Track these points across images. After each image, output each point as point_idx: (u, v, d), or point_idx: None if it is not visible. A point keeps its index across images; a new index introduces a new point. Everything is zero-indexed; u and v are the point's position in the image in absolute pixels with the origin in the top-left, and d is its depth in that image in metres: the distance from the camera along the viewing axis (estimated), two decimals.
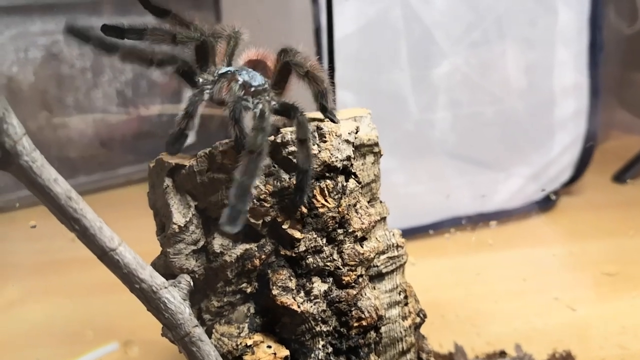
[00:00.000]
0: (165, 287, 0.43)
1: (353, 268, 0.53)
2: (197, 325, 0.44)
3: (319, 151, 0.51)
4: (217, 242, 0.50)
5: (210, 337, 0.48)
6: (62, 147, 1.37)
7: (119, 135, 1.47)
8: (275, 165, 0.50)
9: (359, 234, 0.53)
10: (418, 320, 0.61)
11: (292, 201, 0.49)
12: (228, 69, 0.53)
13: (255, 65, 0.56)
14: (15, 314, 0.92)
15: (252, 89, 0.52)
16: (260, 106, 0.49)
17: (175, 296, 0.43)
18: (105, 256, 0.40)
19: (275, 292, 0.50)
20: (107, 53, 0.48)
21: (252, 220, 0.50)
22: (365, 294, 0.54)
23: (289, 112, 0.50)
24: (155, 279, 0.42)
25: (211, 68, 0.53)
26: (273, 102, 0.53)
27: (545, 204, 1.30)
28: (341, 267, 0.52)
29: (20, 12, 1.31)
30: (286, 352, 0.51)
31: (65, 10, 1.37)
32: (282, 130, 0.61)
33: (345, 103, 1.03)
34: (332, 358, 0.52)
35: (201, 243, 0.50)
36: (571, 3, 1.22)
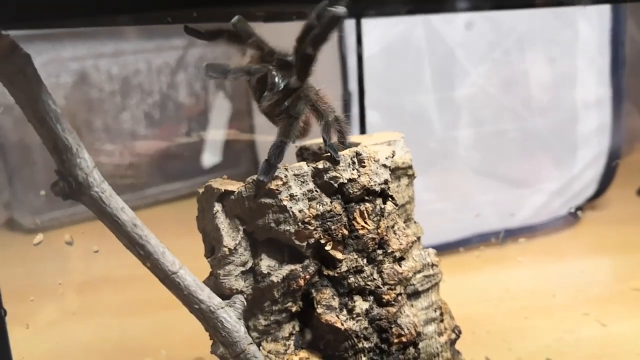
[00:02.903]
0: (222, 307, 0.45)
1: (392, 287, 0.55)
2: (251, 343, 0.46)
3: (359, 175, 0.54)
4: (265, 264, 0.52)
5: None
6: None
7: (146, 156, 1.50)
8: (317, 190, 0.53)
9: (398, 254, 0.56)
10: (453, 336, 0.63)
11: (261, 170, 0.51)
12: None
13: None
14: (54, 333, 0.95)
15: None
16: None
17: (231, 315, 0.46)
18: (167, 279, 0.43)
19: (319, 310, 0.52)
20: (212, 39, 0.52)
21: (297, 242, 0.52)
22: (404, 312, 0.56)
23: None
24: (212, 300, 0.45)
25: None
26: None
27: (571, 219, 1.30)
28: (381, 286, 0.54)
29: (52, 38, 1.36)
30: None
31: (94, 37, 1.42)
32: (306, 144, 0.64)
33: (370, 122, 1.05)
34: None
35: (249, 264, 0.53)
36: (592, 19, 1.24)
